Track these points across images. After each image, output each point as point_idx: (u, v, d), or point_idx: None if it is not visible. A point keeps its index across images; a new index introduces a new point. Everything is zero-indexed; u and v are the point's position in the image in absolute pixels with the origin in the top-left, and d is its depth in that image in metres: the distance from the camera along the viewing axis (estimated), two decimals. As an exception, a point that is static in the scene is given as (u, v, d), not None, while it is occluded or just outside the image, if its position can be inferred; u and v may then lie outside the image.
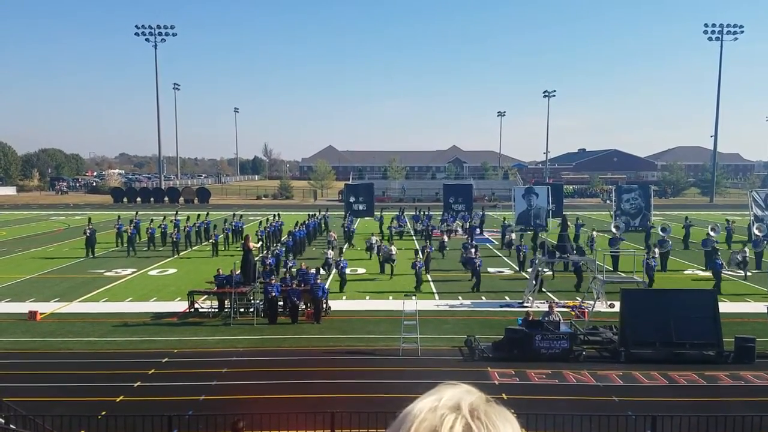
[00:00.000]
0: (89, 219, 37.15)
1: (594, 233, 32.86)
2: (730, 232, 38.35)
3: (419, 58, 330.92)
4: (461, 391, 1.10)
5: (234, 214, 42.34)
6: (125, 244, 35.98)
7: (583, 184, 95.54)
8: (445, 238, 35.00)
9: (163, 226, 37.66)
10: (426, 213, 43.52)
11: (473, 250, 27.52)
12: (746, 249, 29.31)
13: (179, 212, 44.91)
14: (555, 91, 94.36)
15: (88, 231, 34.64)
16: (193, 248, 36.77)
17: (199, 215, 39.87)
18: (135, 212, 43.14)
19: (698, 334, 17.12)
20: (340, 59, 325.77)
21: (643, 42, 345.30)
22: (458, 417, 1.03)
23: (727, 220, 40.62)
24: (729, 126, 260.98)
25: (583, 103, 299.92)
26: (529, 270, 25.22)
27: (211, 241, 36.07)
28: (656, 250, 29.16)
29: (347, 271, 26.54)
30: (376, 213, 48.39)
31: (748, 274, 27.96)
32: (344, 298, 24.26)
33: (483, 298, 24.40)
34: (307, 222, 38.57)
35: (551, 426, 8.81)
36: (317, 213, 44.70)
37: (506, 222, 40.15)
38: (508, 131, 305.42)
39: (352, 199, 54.86)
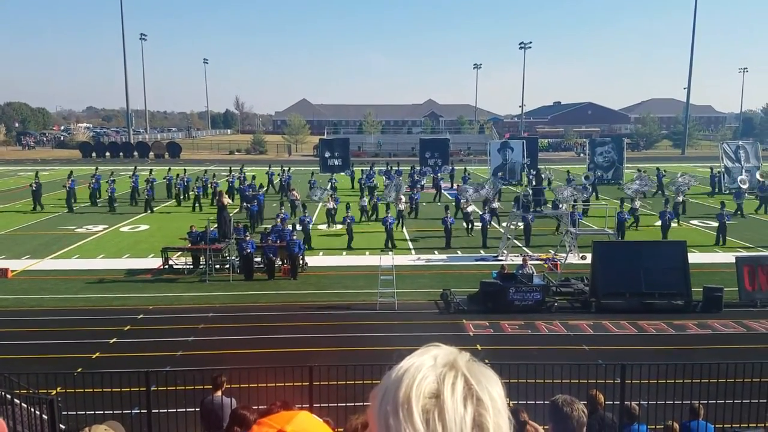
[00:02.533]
0: (36, 173, 36.63)
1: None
2: (660, 180, 39.37)
3: (394, 9, 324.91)
4: (452, 351, 1.11)
5: (185, 170, 41.06)
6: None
7: (557, 137, 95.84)
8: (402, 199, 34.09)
9: (152, 179, 37.24)
10: (396, 169, 43.36)
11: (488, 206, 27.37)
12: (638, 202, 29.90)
13: (138, 167, 43.98)
14: (531, 42, 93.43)
15: (34, 185, 34.47)
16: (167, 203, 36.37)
17: (151, 170, 39.21)
18: (95, 167, 42.56)
19: (667, 285, 17.55)
20: (313, 10, 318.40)
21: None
22: (457, 374, 1.05)
23: (658, 168, 41.70)
24: (702, 78, 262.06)
25: (559, 55, 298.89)
26: (503, 224, 25.45)
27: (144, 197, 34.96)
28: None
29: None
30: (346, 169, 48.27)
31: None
32: (321, 254, 24.29)
33: (458, 252, 24.63)
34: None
35: (524, 375, 9.01)
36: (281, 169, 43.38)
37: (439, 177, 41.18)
38: (484, 84, 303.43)
39: (327, 155, 54.35)
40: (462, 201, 29.37)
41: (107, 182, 36.49)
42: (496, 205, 29.93)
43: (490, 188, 30.44)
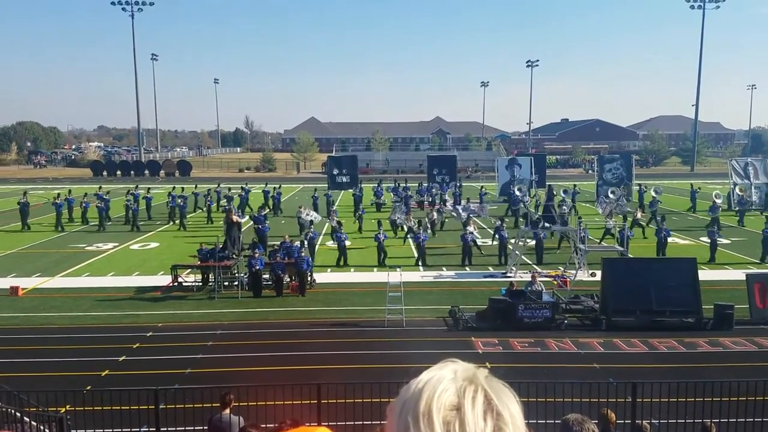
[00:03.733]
0: (25, 192, 36.16)
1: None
2: (573, 197, 40.01)
3: (402, 28, 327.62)
4: (470, 366, 1.12)
5: (182, 188, 40.27)
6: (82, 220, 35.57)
7: (565, 154, 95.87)
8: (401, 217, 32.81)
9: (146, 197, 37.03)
10: (404, 185, 43.40)
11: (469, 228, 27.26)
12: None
13: (139, 186, 43.68)
14: (538, 60, 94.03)
15: (20, 203, 34.20)
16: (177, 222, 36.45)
17: (148, 189, 39.07)
18: (98, 186, 42.09)
19: (678, 302, 17.40)
20: (322, 30, 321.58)
21: (625, 10, 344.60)
22: (477, 389, 1.06)
23: (639, 185, 42.29)
24: (710, 95, 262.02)
25: (566, 73, 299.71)
26: (512, 241, 25.37)
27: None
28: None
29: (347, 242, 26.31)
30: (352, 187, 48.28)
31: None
32: (329, 270, 24.30)
33: (467, 269, 24.56)
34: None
35: (534, 393, 8.94)
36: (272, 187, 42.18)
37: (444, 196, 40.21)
38: (491, 102, 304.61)
39: (335, 172, 54.49)
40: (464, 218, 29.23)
41: (102, 198, 36.34)
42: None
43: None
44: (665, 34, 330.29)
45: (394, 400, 1.11)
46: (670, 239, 27.22)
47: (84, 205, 36.27)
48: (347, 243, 28.35)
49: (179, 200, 35.99)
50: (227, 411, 8.81)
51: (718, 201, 34.78)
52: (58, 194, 36.29)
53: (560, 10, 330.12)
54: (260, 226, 29.21)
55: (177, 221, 35.15)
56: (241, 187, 42.44)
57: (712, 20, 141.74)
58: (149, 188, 40.68)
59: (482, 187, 46.97)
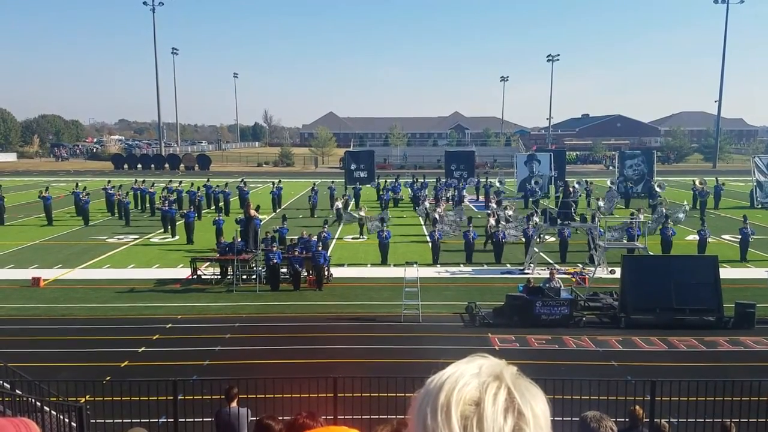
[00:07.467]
0: None
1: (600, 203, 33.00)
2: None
3: (421, 23, 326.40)
4: (499, 363, 1.10)
5: (170, 180, 40.04)
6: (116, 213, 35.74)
7: (586, 150, 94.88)
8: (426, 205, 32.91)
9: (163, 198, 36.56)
10: (422, 181, 43.28)
11: (493, 221, 27.13)
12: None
13: (145, 180, 43.46)
14: (559, 55, 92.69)
15: None
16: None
17: (150, 183, 38.98)
18: (107, 180, 41.60)
19: (698, 300, 17.20)
20: (341, 24, 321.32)
21: (648, 5, 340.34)
22: (501, 385, 1.04)
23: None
24: (733, 91, 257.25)
25: (587, 68, 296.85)
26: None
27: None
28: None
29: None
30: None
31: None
32: (346, 265, 24.33)
33: (484, 265, 24.45)
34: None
35: (551, 391, 8.87)
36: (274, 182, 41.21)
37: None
38: (511, 97, 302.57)
39: (353, 167, 54.54)
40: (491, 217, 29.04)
41: (108, 192, 36.55)
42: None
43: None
44: (688, 29, 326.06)
45: (419, 389, 1.10)
46: (690, 237, 26.93)
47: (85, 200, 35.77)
48: (363, 239, 28.42)
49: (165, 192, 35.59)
50: (234, 404, 8.84)
51: (660, 190, 35.63)
52: (47, 188, 36.47)
53: (582, 5, 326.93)
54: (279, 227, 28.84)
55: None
56: (242, 179, 42.21)
57: (736, 15, 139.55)
58: (153, 183, 40.65)
59: (479, 180, 46.80)
